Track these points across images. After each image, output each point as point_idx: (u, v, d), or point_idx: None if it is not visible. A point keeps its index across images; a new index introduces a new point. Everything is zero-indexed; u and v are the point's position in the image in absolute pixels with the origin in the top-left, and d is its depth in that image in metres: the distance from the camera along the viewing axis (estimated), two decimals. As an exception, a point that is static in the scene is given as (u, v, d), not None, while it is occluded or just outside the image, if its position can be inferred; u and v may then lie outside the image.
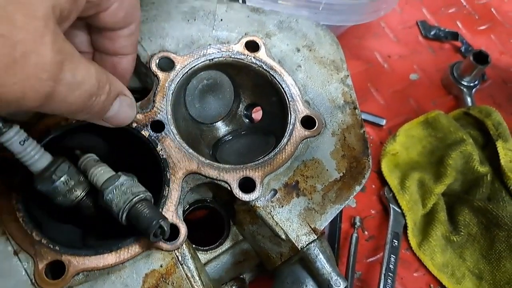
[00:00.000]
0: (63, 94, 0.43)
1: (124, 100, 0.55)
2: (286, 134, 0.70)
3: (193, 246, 0.71)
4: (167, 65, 0.71)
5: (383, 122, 1.12)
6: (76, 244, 0.63)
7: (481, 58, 1.16)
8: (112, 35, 0.55)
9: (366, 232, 1.00)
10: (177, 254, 0.61)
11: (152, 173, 0.66)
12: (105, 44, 0.56)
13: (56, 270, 0.57)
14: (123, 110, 0.55)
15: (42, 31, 0.40)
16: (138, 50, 0.71)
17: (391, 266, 0.91)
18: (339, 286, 0.64)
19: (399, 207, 1.00)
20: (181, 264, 0.61)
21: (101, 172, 0.61)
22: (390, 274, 0.90)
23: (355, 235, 0.95)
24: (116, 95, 0.53)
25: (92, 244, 0.63)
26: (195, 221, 0.79)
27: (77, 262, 0.57)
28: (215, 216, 0.76)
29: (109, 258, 0.58)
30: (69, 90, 0.44)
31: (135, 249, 0.59)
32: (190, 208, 0.73)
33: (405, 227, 0.99)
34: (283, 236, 0.65)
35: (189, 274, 0.60)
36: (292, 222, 0.66)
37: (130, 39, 0.57)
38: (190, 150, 0.66)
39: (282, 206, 0.66)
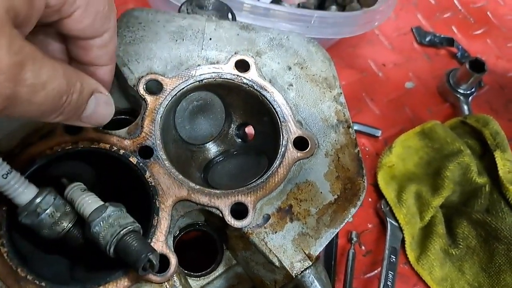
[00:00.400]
0: (27, 96, 0.42)
1: (100, 98, 0.54)
2: (278, 156, 0.68)
3: (185, 272, 0.69)
4: (156, 87, 0.69)
5: (379, 133, 1.10)
6: (64, 277, 0.61)
7: (477, 65, 1.14)
8: (84, 44, 0.54)
9: (363, 247, 0.98)
10: (168, 286, 0.59)
11: (141, 200, 0.64)
12: (79, 53, 0.55)
13: (43, 307, 0.55)
14: (100, 108, 0.54)
15: None
16: (125, 73, 0.70)
17: (389, 283, 0.89)
18: (335, 314, 0.62)
19: (396, 220, 0.98)
20: (172, 297, 0.59)
21: (88, 202, 0.59)
22: (388, 291, 0.89)
23: (351, 251, 0.94)
24: (90, 93, 0.52)
25: (80, 277, 0.61)
26: (187, 241, 0.77)
27: (64, 299, 0.56)
28: (207, 238, 0.75)
29: (97, 294, 0.57)
30: (33, 91, 0.43)
31: (123, 282, 0.58)
32: (181, 233, 0.71)
33: (403, 240, 0.97)
34: (277, 263, 0.63)
35: (180, 307, 0.59)
36: (286, 248, 0.64)
37: (104, 49, 0.55)
38: (180, 176, 0.64)
39: (276, 232, 0.64)
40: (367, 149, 1.10)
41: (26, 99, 0.42)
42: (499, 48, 1.36)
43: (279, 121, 0.71)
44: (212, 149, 0.78)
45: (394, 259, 0.93)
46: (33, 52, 0.42)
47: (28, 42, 0.42)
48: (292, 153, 0.69)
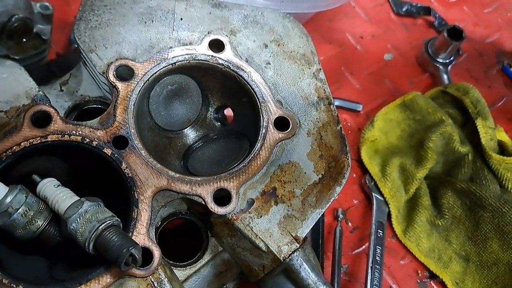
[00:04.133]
0: None
1: None
2: (259, 138, 0.66)
3: (170, 262, 0.67)
4: (126, 73, 0.66)
5: (360, 107, 1.08)
6: (43, 278, 0.59)
7: (456, 33, 1.13)
8: None
9: (349, 224, 0.97)
10: (153, 279, 0.57)
11: (119, 193, 0.61)
12: None
13: (22, 311, 0.53)
14: None
15: None
16: (93, 60, 0.66)
17: (377, 258, 0.89)
18: (325, 295, 0.61)
19: (382, 195, 0.97)
20: (158, 290, 0.57)
21: (63, 198, 0.56)
22: (377, 266, 0.88)
23: (338, 228, 0.93)
24: None
25: (61, 276, 0.59)
26: (171, 231, 0.75)
27: (44, 300, 0.53)
28: (191, 226, 0.73)
29: (79, 293, 0.54)
30: None
31: (106, 279, 0.55)
32: (164, 224, 0.69)
33: (389, 214, 0.97)
34: (264, 248, 0.62)
35: (167, 300, 0.57)
36: (272, 232, 0.62)
37: None
38: (158, 165, 0.62)
39: (261, 216, 0.63)
40: (349, 124, 1.08)
41: None
42: (476, 15, 1.34)
43: (258, 101, 0.68)
44: (191, 134, 0.76)
45: (381, 234, 0.93)
46: None
47: None
48: (274, 134, 0.67)
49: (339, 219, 0.95)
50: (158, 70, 0.67)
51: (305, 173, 0.66)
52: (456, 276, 0.94)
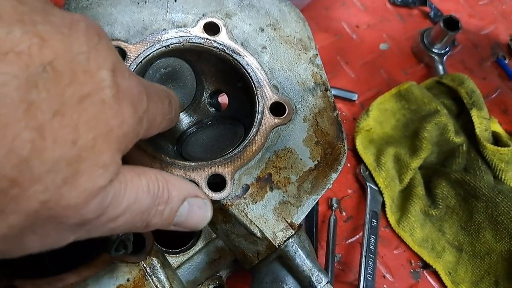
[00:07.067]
0: (100, 224, 0.38)
1: (194, 203, 0.48)
2: (254, 123, 0.65)
3: (163, 249, 0.66)
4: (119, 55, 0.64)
5: (355, 97, 1.08)
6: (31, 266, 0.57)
7: (452, 24, 1.12)
8: None
9: (343, 213, 0.97)
10: (145, 265, 0.56)
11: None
12: None
13: (10, 297, 0.51)
14: (194, 213, 0.48)
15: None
16: (84, 41, 0.64)
17: (371, 247, 0.88)
18: (320, 282, 0.60)
19: (376, 184, 0.97)
20: (150, 276, 0.56)
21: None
22: (371, 255, 0.88)
23: (333, 217, 0.92)
24: (182, 200, 0.46)
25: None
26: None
27: (32, 285, 0.52)
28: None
29: (69, 278, 0.53)
30: (108, 221, 0.38)
31: (96, 264, 0.54)
32: (157, 210, 0.68)
33: (383, 204, 0.97)
34: (259, 234, 0.61)
35: (159, 286, 0.56)
36: (267, 218, 0.61)
37: None
38: (151, 149, 0.60)
39: (256, 202, 0.62)
40: (344, 113, 1.07)
41: (99, 225, 0.38)
42: (471, 6, 1.34)
43: (253, 86, 0.67)
44: (184, 120, 0.74)
45: (375, 223, 0.92)
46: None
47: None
48: (269, 119, 0.66)
49: (333, 208, 0.94)
50: (151, 52, 0.65)
51: (301, 159, 0.65)
52: (449, 265, 0.94)
